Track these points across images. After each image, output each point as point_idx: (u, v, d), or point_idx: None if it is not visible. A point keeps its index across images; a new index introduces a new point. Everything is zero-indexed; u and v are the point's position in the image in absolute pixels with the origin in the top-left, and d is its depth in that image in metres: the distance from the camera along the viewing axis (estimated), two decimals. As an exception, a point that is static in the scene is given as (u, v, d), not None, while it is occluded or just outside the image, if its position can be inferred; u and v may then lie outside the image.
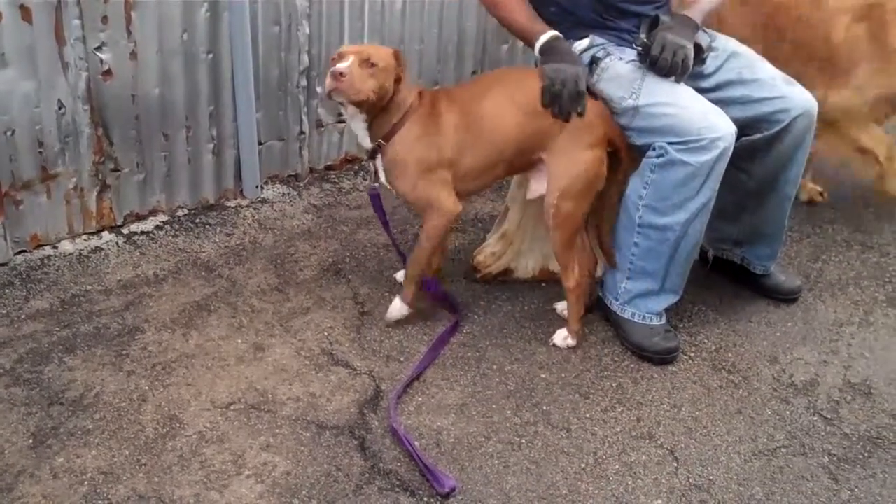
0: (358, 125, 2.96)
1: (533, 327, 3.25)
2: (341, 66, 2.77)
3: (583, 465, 2.65)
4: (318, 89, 4.07)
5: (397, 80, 2.88)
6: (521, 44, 3.54)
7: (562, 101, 2.89)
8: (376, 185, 3.09)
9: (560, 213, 2.97)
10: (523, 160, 3.04)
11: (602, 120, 2.97)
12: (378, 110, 2.89)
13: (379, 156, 2.99)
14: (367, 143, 3.00)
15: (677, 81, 2.94)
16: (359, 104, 2.84)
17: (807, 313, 3.41)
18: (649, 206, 2.96)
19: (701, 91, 3.00)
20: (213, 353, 3.03)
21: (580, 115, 2.91)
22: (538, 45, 2.98)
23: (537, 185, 3.08)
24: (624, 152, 3.04)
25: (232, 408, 2.79)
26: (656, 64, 2.90)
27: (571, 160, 2.94)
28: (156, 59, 3.54)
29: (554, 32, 2.99)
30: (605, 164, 3.00)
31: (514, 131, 2.95)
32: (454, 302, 3.28)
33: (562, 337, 3.14)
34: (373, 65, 2.79)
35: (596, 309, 3.28)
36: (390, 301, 3.27)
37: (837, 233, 3.99)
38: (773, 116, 3.07)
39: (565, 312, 3.23)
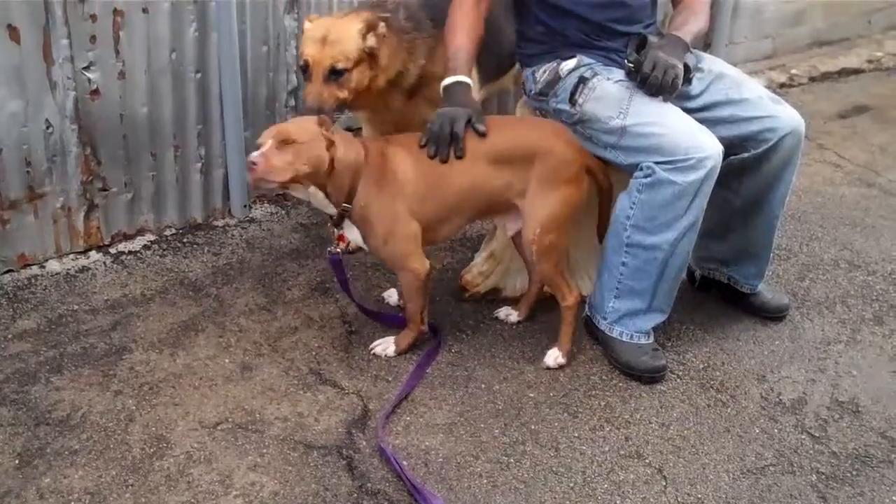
0: (315, 199, 2.91)
1: (521, 346, 3.25)
2: (253, 155, 2.74)
3: (571, 485, 2.65)
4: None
5: (329, 146, 2.83)
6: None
7: (439, 142, 2.90)
8: (337, 250, 3.06)
9: (542, 246, 2.99)
10: (495, 207, 3.06)
11: (579, 154, 3.01)
12: (324, 179, 2.84)
13: (346, 220, 2.96)
14: (331, 211, 2.95)
15: (666, 100, 2.95)
16: (291, 183, 2.80)
17: (794, 332, 3.42)
18: (637, 226, 2.97)
19: (688, 111, 3.01)
20: (201, 372, 3.02)
21: (458, 157, 2.91)
22: (443, 84, 3.01)
23: (513, 225, 3.12)
24: (602, 179, 3.09)
25: (219, 428, 2.78)
26: (647, 81, 2.90)
27: (548, 198, 2.96)
28: (144, 79, 3.54)
29: (460, 77, 3.00)
30: (584, 194, 3.04)
31: (478, 182, 2.95)
32: (435, 327, 3.26)
33: (553, 357, 3.14)
34: (291, 142, 2.75)
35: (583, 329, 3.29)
36: (378, 321, 3.27)
37: (824, 251, 4.00)
38: (761, 136, 3.08)
39: (510, 318, 3.34)
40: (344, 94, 3.11)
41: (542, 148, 2.94)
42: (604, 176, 3.08)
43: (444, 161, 2.91)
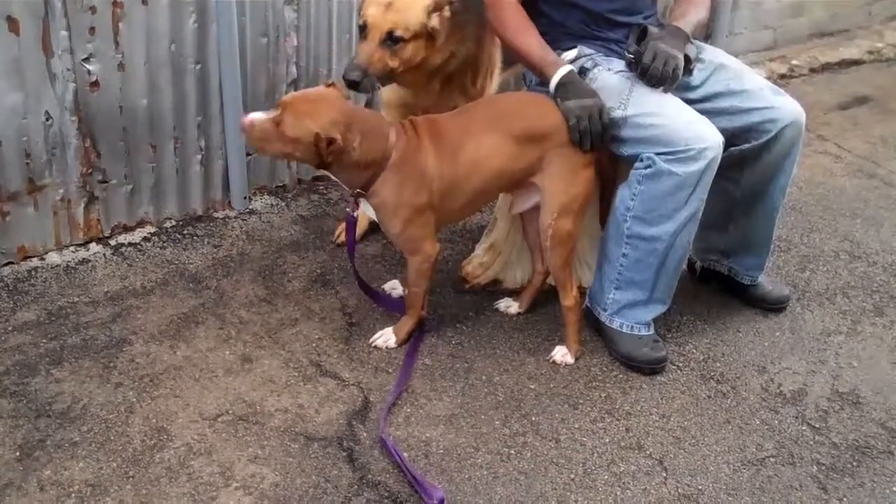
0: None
1: (521, 338, 3.25)
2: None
3: (572, 476, 2.65)
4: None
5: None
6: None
7: (592, 137, 2.89)
8: (354, 214, 3.07)
9: (558, 232, 2.98)
10: (513, 185, 3.05)
11: None
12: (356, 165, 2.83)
13: (364, 200, 2.96)
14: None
15: (666, 91, 2.95)
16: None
17: (794, 323, 3.42)
18: (637, 217, 2.97)
19: (689, 102, 3.00)
20: (201, 364, 3.02)
21: (606, 148, 2.92)
22: (556, 79, 2.95)
23: (521, 202, 3.11)
24: (607, 167, 3.09)
25: (220, 419, 2.78)
26: (647, 72, 2.90)
27: (568, 181, 2.95)
28: (143, 70, 3.53)
29: (570, 67, 2.99)
30: (595, 179, 3.04)
31: (506, 164, 2.94)
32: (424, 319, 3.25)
33: (561, 354, 3.14)
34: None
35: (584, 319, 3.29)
36: (379, 312, 3.27)
37: (825, 242, 4.00)
38: (761, 126, 3.08)
39: (510, 310, 3.34)
40: (394, 63, 3.08)
41: (559, 129, 2.92)
42: (608, 164, 3.08)
43: (590, 152, 2.93)
